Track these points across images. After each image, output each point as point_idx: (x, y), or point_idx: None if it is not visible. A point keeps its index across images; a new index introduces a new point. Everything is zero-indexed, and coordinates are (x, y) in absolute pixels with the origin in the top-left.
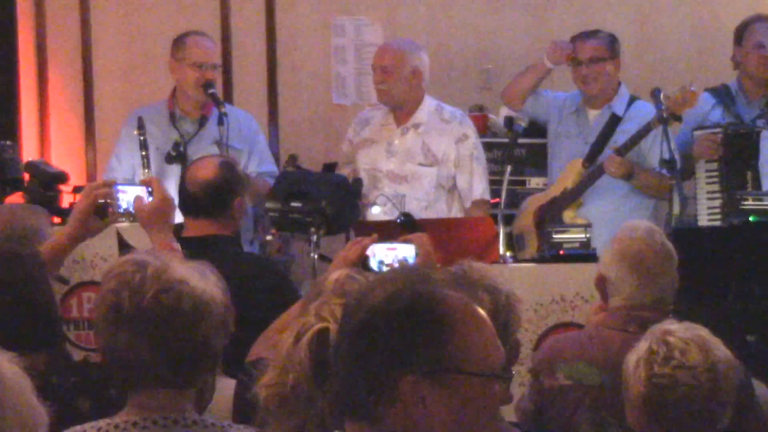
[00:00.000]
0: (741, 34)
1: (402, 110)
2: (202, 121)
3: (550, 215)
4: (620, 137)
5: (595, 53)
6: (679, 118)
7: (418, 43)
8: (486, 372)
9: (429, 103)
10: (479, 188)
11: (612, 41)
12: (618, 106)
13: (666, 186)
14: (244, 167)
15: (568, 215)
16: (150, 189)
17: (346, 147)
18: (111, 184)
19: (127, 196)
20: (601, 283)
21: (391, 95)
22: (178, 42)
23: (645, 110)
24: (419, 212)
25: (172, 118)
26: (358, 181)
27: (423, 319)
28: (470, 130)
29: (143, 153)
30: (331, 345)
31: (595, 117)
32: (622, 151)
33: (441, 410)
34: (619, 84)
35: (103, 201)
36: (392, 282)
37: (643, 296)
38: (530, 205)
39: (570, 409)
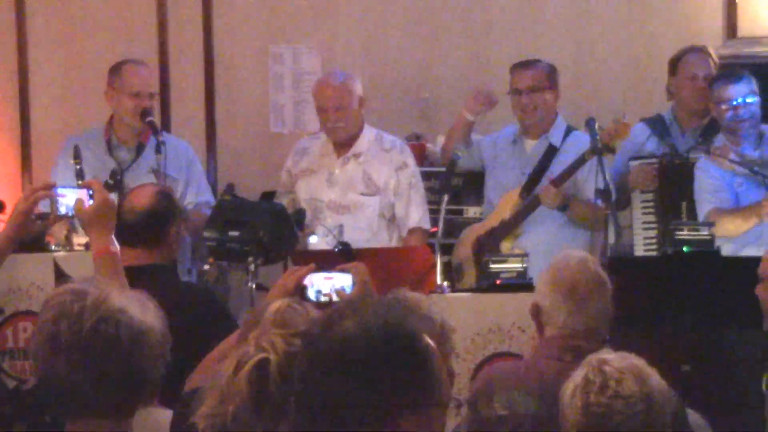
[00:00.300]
0: (675, 65)
1: (345, 144)
2: (138, 150)
3: (488, 245)
4: (557, 167)
5: (534, 83)
6: (612, 150)
7: (350, 72)
8: (451, 400)
9: (369, 132)
10: (416, 216)
11: (551, 71)
12: (555, 136)
13: (600, 217)
14: (182, 196)
15: (505, 245)
16: (91, 192)
17: (284, 177)
18: (51, 186)
19: (67, 200)
20: (536, 311)
21: (347, 131)
22: (115, 70)
23: (582, 140)
24: (362, 242)
25: (109, 146)
26: (300, 212)
27: (416, 358)
28: (410, 158)
29: (79, 182)
30: (270, 376)
31: (533, 147)
32: (557, 182)
33: None
34: (556, 114)
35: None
36: (364, 315)
37: (576, 324)
38: (469, 235)
39: None
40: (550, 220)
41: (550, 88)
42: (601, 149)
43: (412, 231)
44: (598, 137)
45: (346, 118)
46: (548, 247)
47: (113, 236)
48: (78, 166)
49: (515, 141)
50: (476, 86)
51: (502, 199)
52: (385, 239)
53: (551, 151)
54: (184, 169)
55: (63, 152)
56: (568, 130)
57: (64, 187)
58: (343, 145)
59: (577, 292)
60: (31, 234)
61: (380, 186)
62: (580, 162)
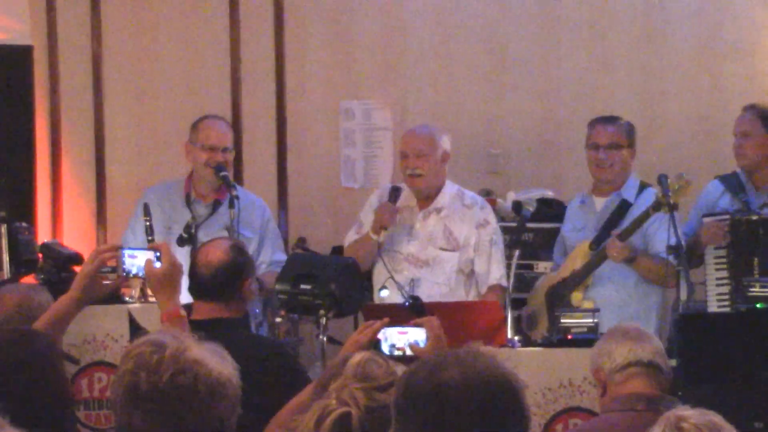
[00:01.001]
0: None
1: (428, 194)
2: (215, 206)
3: (559, 296)
4: (628, 221)
5: (614, 139)
6: (675, 207)
7: (441, 127)
8: None
9: (450, 188)
10: (497, 273)
11: (630, 129)
12: (627, 192)
13: (670, 272)
14: (254, 254)
15: (575, 297)
16: (158, 254)
17: (363, 215)
18: (117, 248)
19: (136, 261)
20: (599, 375)
21: (426, 180)
22: (194, 125)
23: (653, 196)
24: (439, 297)
25: (187, 200)
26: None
27: (515, 400)
28: (491, 216)
29: (149, 239)
30: (353, 429)
31: (602, 203)
32: (623, 235)
33: None
34: (630, 173)
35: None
36: (466, 364)
37: (639, 359)
38: (543, 286)
39: None
40: (620, 274)
41: (628, 146)
42: (672, 205)
43: (492, 288)
44: (670, 193)
45: (426, 167)
46: (617, 301)
47: (179, 298)
48: (148, 223)
49: (583, 202)
50: (379, 207)
51: (574, 250)
52: (462, 295)
53: (624, 206)
54: (258, 226)
55: (139, 204)
56: (642, 187)
57: (132, 248)
58: (425, 199)
59: (630, 332)
60: (100, 295)
61: (460, 242)
62: (645, 216)
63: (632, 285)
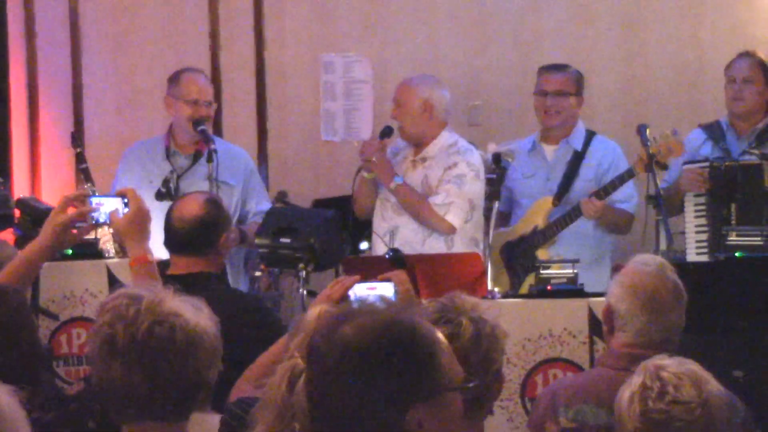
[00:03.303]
0: (726, 70)
1: (419, 145)
2: (196, 156)
3: (521, 252)
4: (586, 172)
5: (561, 87)
6: (665, 167)
7: (436, 78)
8: (463, 384)
9: (444, 139)
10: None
11: (578, 77)
12: (576, 141)
13: (629, 222)
14: (238, 203)
15: (542, 254)
16: (126, 200)
17: None
18: (87, 195)
19: (104, 208)
20: (609, 315)
21: (404, 129)
22: (174, 78)
23: (607, 145)
24: (417, 243)
25: (167, 152)
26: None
27: (414, 349)
28: (463, 162)
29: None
30: None
31: (553, 152)
32: (601, 195)
33: (435, 428)
34: (577, 120)
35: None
36: (361, 318)
37: (653, 334)
38: (494, 243)
39: None
40: (581, 227)
41: (575, 94)
42: (652, 155)
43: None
44: (649, 144)
45: (403, 116)
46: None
47: (149, 244)
48: (78, 150)
49: (533, 148)
50: (364, 143)
51: (533, 206)
52: (440, 241)
53: (577, 157)
54: (242, 175)
55: (124, 163)
56: (590, 135)
57: (99, 195)
58: (417, 147)
59: (656, 302)
60: (67, 245)
61: (433, 188)
62: (629, 175)
63: (591, 235)
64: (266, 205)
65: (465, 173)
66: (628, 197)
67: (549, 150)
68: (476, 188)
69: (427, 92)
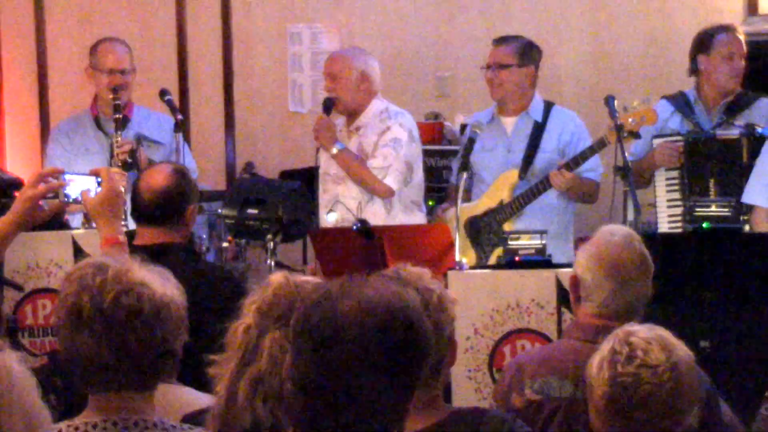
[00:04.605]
0: (708, 43)
1: (352, 115)
2: (124, 121)
3: (486, 227)
4: (547, 144)
5: (500, 59)
6: (637, 135)
7: (364, 50)
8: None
9: (376, 107)
10: (389, 178)
11: (525, 49)
12: (534, 112)
13: (595, 191)
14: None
15: (507, 227)
16: (99, 180)
17: None
18: (59, 172)
19: (76, 185)
20: (575, 284)
21: (340, 102)
22: (92, 49)
23: (566, 115)
24: (355, 210)
25: (97, 122)
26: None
27: (418, 334)
28: (397, 125)
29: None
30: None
31: (512, 124)
32: (571, 166)
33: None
34: (534, 91)
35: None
36: (363, 294)
37: (618, 304)
38: (459, 217)
39: (541, 424)
40: (545, 198)
41: (518, 65)
42: (620, 126)
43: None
44: (617, 115)
45: (340, 89)
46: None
47: (120, 224)
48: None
49: (492, 120)
50: (315, 123)
51: (499, 179)
52: (378, 205)
53: (538, 128)
54: (169, 136)
55: (54, 139)
56: (548, 106)
57: (72, 173)
58: (349, 117)
59: (622, 272)
60: (38, 221)
61: (368, 153)
62: (600, 145)
63: (555, 206)
64: (193, 164)
65: (400, 137)
66: (595, 166)
67: (508, 122)
68: (412, 150)
69: (362, 64)
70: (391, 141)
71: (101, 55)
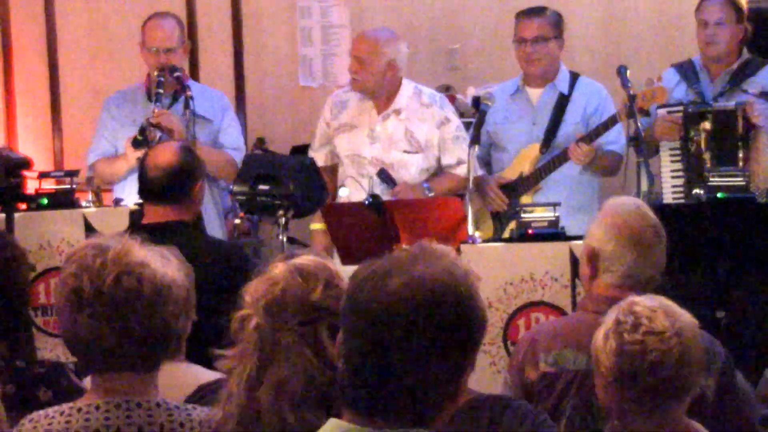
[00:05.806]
0: (697, 10)
1: (380, 98)
2: (175, 96)
3: (506, 198)
4: (571, 116)
5: (540, 32)
6: (647, 113)
7: (395, 33)
8: None
9: (407, 88)
10: (464, 169)
11: (557, 20)
12: (561, 84)
13: (619, 164)
14: (215, 139)
15: (525, 200)
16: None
17: (322, 128)
18: None
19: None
20: (593, 258)
21: (365, 86)
22: (143, 26)
23: (593, 87)
24: (369, 187)
25: (149, 94)
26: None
27: (470, 311)
28: (450, 112)
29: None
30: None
31: (538, 96)
32: (587, 139)
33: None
34: (560, 63)
35: None
36: (412, 272)
37: (638, 273)
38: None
39: (556, 396)
40: (567, 172)
41: (555, 37)
42: (633, 97)
43: (452, 177)
44: (629, 85)
45: (364, 73)
46: (568, 200)
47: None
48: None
49: (518, 92)
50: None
51: (521, 153)
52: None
53: (563, 100)
54: (219, 111)
55: (104, 107)
56: (574, 77)
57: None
58: (383, 100)
59: (642, 240)
60: None
61: (422, 143)
62: (613, 120)
63: (577, 179)
64: (239, 144)
65: (460, 126)
66: (617, 138)
67: (534, 94)
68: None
69: (392, 52)
70: (457, 132)
71: (147, 32)
